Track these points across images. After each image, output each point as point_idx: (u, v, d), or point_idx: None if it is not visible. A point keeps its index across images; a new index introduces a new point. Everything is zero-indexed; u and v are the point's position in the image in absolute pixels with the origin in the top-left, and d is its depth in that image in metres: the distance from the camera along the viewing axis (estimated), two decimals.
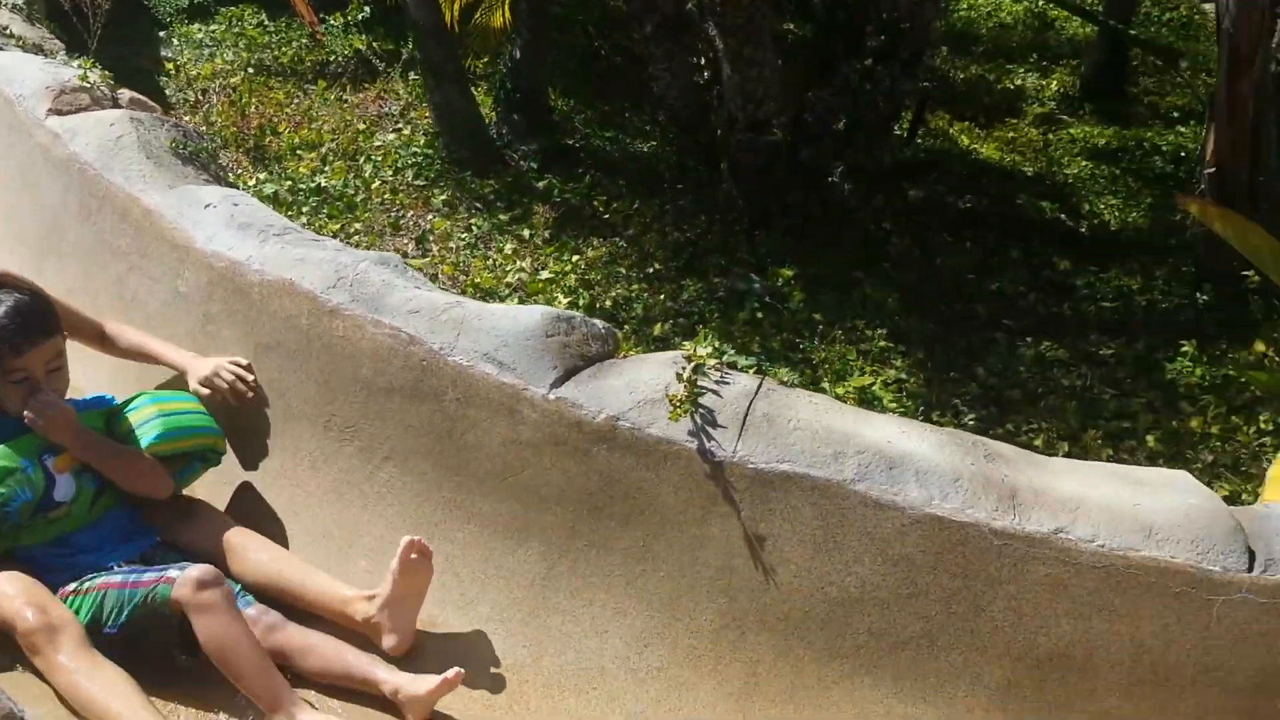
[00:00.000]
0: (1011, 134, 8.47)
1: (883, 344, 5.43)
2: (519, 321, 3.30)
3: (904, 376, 5.28)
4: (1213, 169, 5.44)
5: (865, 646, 3.05)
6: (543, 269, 5.75)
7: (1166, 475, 3.25)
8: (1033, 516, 2.99)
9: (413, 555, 3.06)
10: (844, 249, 6.38)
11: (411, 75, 7.79)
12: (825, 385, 4.99)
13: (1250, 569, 2.96)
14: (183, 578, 2.85)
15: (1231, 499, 4.45)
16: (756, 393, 3.23)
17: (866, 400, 4.93)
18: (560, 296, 5.50)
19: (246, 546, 3.25)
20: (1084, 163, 7.97)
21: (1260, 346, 5.43)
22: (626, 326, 5.38)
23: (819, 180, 6.58)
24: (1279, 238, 4.93)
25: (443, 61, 6.88)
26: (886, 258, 6.49)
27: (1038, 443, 4.86)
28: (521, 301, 5.30)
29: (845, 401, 4.74)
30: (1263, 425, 4.95)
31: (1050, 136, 8.43)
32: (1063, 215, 7.19)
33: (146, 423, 3.30)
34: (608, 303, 5.57)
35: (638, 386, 3.20)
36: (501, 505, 3.32)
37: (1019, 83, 9.36)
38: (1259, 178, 5.57)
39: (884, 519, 3.02)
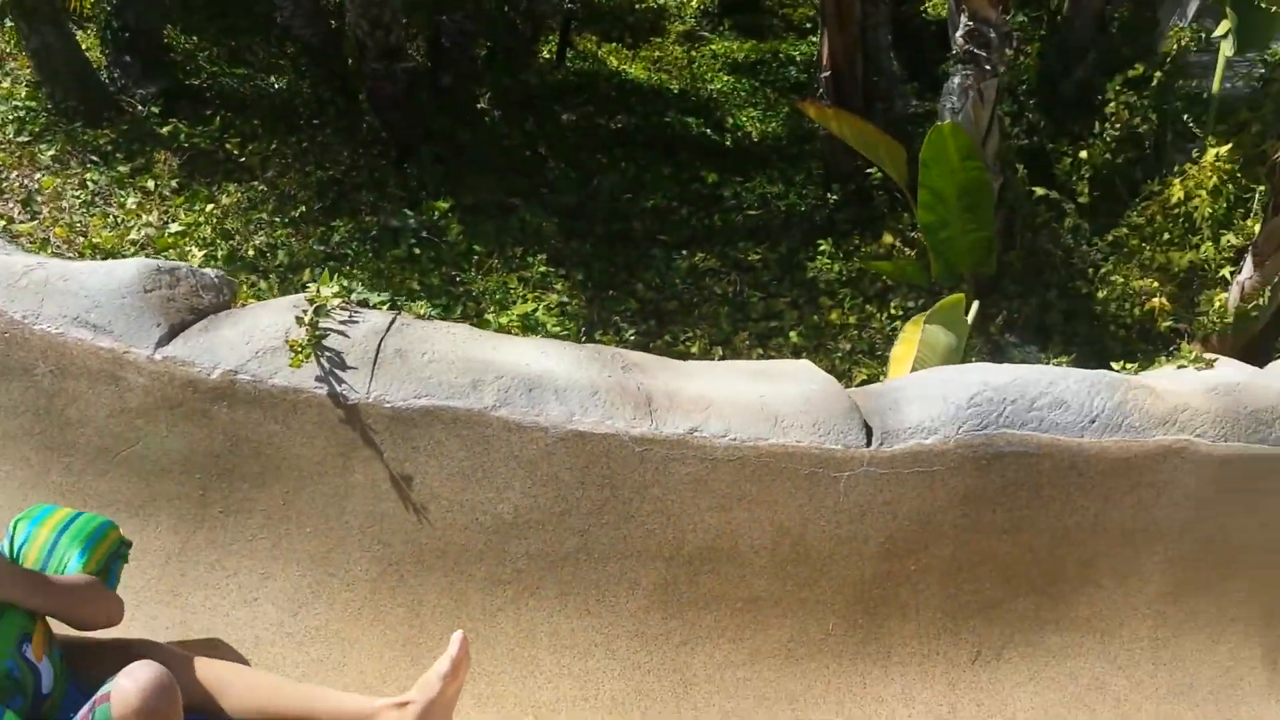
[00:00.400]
0: (657, 53, 8.64)
1: (543, 269, 5.41)
2: (112, 278, 2.98)
3: (566, 299, 5.29)
4: (828, 73, 5.75)
5: (526, 570, 3.03)
6: (173, 222, 5.29)
7: (790, 366, 3.42)
8: (669, 420, 3.05)
9: (462, 655, 2.65)
10: (500, 176, 6.29)
11: (6, 21, 6.91)
12: (489, 317, 4.92)
13: (869, 443, 3.17)
14: (119, 691, 2.24)
15: (870, 380, 4.80)
16: (388, 329, 3.10)
17: (530, 327, 4.89)
18: (195, 250, 5.07)
19: (224, 679, 2.62)
20: (726, 77, 8.26)
21: (888, 238, 5.85)
22: (272, 275, 5.07)
23: (466, 107, 6.43)
24: (894, 135, 5.30)
25: (37, 3, 6.12)
26: (544, 182, 6.47)
27: (694, 350, 5.03)
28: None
29: (509, 330, 4.69)
30: (893, 311, 5.35)
31: (693, 53, 8.66)
32: (708, 130, 7.42)
33: (53, 547, 2.65)
34: (250, 251, 5.21)
35: (255, 335, 2.98)
36: (121, 482, 3.03)
37: (661, 1, 9.53)
38: (873, 79, 5.94)
39: (529, 441, 2.99)
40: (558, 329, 4.94)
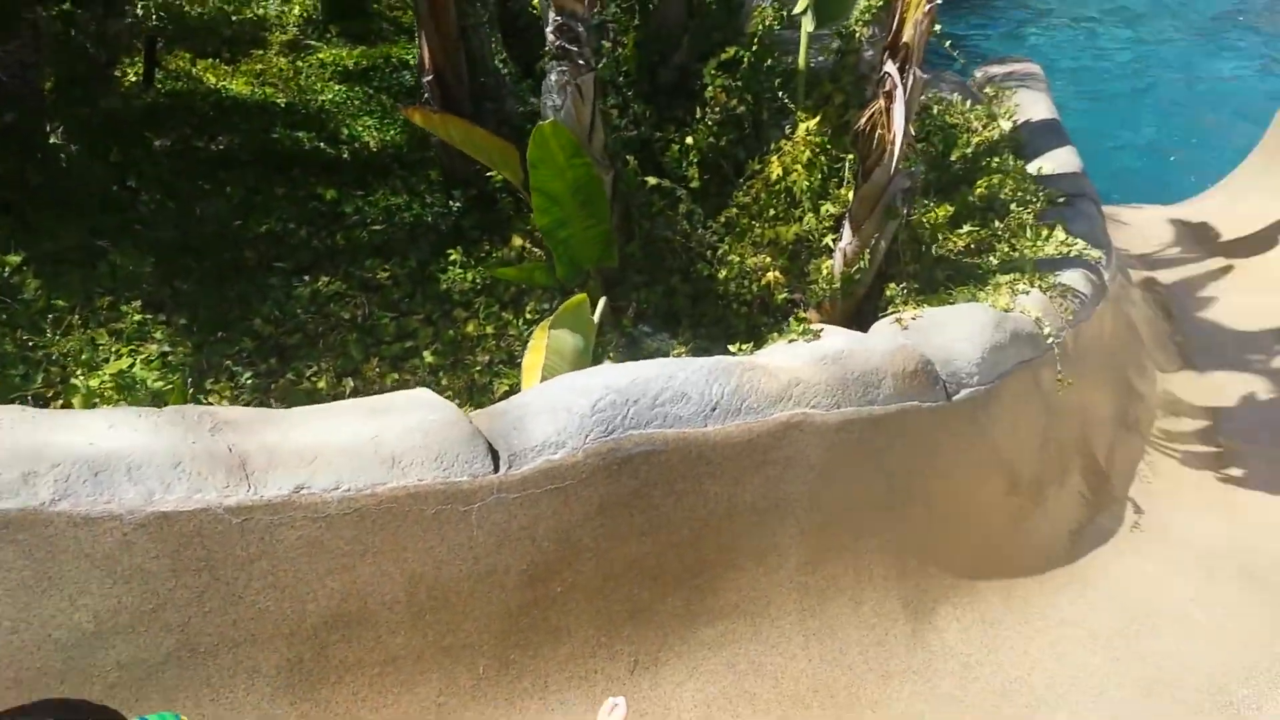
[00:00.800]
0: (260, 66, 8.06)
1: (139, 318, 4.85)
2: None
3: (169, 349, 4.78)
4: (431, 77, 5.53)
5: (119, 682, 2.63)
6: None
7: (406, 398, 3.20)
8: (270, 481, 2.75)
9: None
10: (83, 217, 5.60)
11: None
12: (77, 381, 4.34)
13: (497, 469, 3.01)
14: None
15: (513, 391, 4.65)
16: None
17: (127, 385, 4.36)
18: None
19: None
20: (337, 87, 7.83)
21: (517, 240, 5.72)
22: None
23: (35, 144, 5.67)
24: (508, 136, 5.17)
25: None
26: (137, 218, 5.83)
27: (321, 385, 4.69)
28: None
29: (101, 394, 4.17)
30: (529, 315, 5.22)
31: (300, 64, 8.15)
32: (322, 144, 6.99)
33: None
34: None
35: None
36: None
37: (260, 11, 8.93)
38: (479, 79, 5.77)
39: (102, 534, 2.58)
40: (160, 384, 4.44)
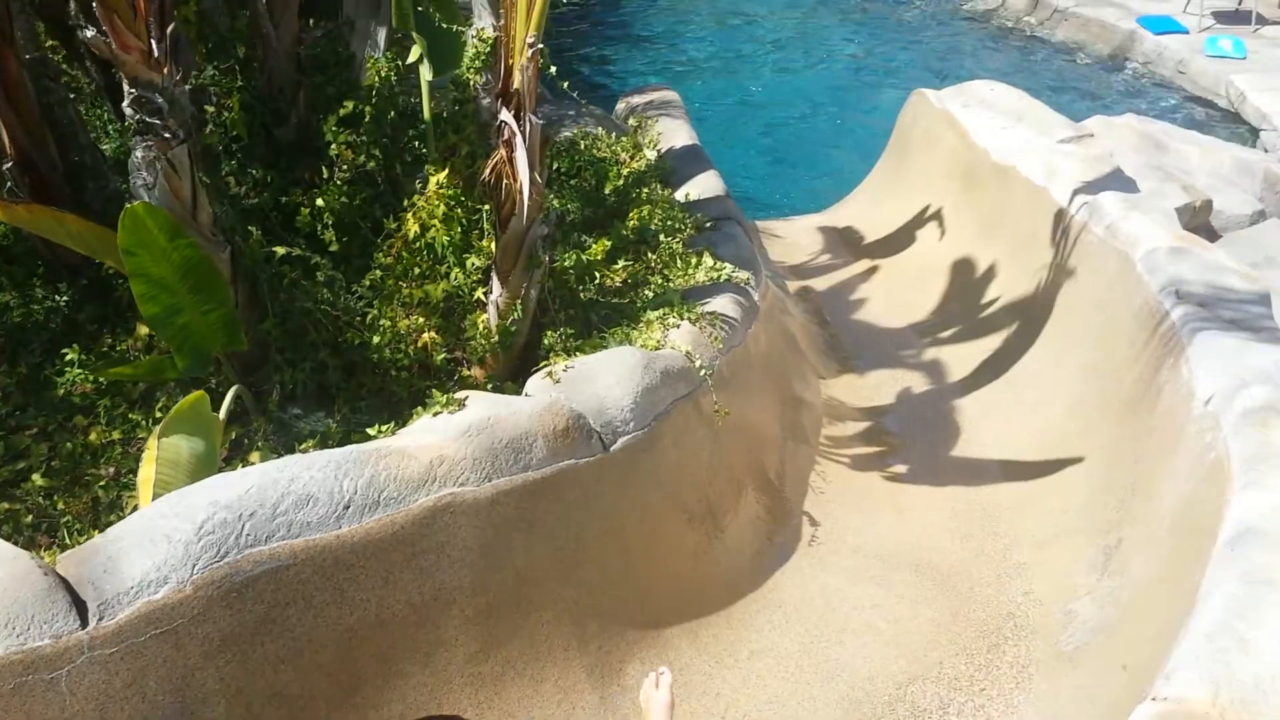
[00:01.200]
0: None
1: None
2: None
3: None
4: (12, 164, 4.89)
5: None
6: None
7: None
8: None
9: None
10: None
11: None
12: None
13: (85, 623, 2.58)
14: None
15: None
16: None
17: None
18: None
19: None
20: None
21: (144, 330, 5.15)
22: None
23: None
24: (115, 217, 4.62)
25: None
26: None
27: None
28: None
29: None
30: (159, 414, 4.69)
31: None
32: None
33: None
34: None
35: None
36: None
37: None
38: (74, 158, 5.16)
39: None
40: None
